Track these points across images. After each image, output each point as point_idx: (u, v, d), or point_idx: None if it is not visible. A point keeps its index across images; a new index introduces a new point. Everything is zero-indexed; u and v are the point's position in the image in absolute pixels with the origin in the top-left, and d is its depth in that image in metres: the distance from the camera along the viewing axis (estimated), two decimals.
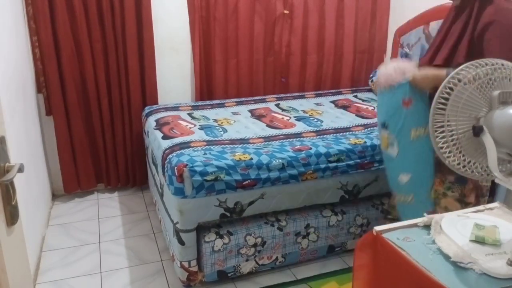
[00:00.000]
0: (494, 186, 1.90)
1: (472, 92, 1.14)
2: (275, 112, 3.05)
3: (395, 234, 1.27)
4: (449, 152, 1.16)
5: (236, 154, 2.27)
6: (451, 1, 1.84)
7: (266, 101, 3.29)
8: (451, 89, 1.15)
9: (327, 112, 3.07)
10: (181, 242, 2.19)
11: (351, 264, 1.55)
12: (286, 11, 3.37)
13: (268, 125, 2.80)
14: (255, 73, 3.45)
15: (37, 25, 2.86)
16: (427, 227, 1.31)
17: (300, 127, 2.76)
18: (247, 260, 2.34)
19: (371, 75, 3.55)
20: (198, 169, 2.11)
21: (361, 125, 2.77)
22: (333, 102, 3.30)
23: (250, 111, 3.07)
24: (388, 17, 3.68)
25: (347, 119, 2.92)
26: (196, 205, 2.16)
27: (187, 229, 2.18)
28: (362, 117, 2.95)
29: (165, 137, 2.56)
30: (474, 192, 1.83)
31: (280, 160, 2.26)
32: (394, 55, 3.55)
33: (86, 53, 3.00)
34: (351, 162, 2.40)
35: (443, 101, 1.15)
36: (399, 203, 2.16)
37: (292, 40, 3.47)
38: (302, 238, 2.44)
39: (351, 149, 2.41)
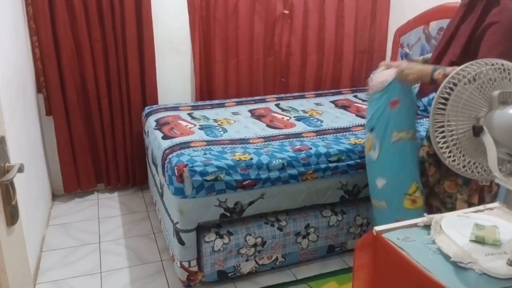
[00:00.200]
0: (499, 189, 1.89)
1: (472, 92, 1.14)
2: (275, 112, 3.05)
3: (395, 234, 1.27)
4: (449, 152, 1.16)
5: (236, 154, 2.27)
6: (460, 0, 1.86)
7: (266, 101, 3.29)
8: (451, 89, 1.15)
9: (327, 112, 3.07)
10: (181, 242, 2.19)
11: (351, 264, 1.55)
12: (286, 11, 3.37)
13: (268, 125, 2.80)
14: (255, 73, 3.45)
15: (37, 25, 2.86)
16: (427, 227, 1.31)
17: (300, 127, 2.76)
18: (247, 260, 2.34)
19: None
20: (198, 169, 2.11)
21: (361, 125, 2.77)
22: (333, 102, 3.30)
23: (250, 111, 3.07)
24: (388, 17, 3.68)
25: (347, 119, 2.91)
26: (196, 205, 2.16)
27: (187, 229, 2.18)
28: (362, 117, 2.95)
29: (165, 137, 2.56)
30: (477, 193, 1.83)
31: (280, 160, 2.26)
32: (394, 55, 3.55)
33: (86, 53, 3.00)
34: (351, 162, 2.40)
35: (443, 101, 1.15)
36: (374, 208, 2.19)
37: (292, 40, 3.47)
38: (302, 238, 2.44)
39: (351, 149, 2.41)
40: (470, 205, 1.84)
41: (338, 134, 2.62)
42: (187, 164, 2.12)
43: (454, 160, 1.17)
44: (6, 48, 2.29)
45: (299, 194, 2.36)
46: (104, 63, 3.07)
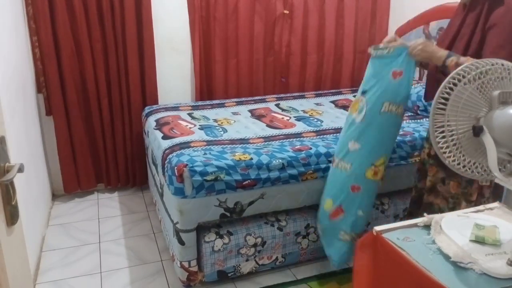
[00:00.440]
0: (497, 190, 1.88)
1: (472, 92, 1.14)
2: (275, 112, 3.05)
3: (395, 234, 1.28)
4: (449, 152, 1.17)
5: (236, 154, 2.27)
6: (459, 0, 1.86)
7: (266, 101, 3.29)
8: (451, 89, 1.15)
9: (327, 112, 3.07)
10: (181, 242, 2.19)
11: (351, 264, 1.55)
12: (286, 11, 3.37)
13: (268, 125, 2.79)
14: (255, 73, 3.45)
15: (37, 25, 2.86)
16: (427, 227, 1.31)
17: (300, 127, 2.76)
18: (247, 260, 2.34)
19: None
20: (198, 169, 2.11)
21: None
22: (333, 102, 3.30)
23: (250, 111, 3.07)
24: (388, 17, 3.68)
25: None
26: (196, 205, 2.16)
27: (187, 229, 2.18)
28: None
29: (165, 137, 2.56)
30: (477, 191, 1.83)
31: (280, 160, 2.26)
32: None
33: (86, 53, 3.00)
34: None
35: (443, 101, 1.15)
36: (332, 168, 2.23)
37: (292, 40, 3.47)
38: (302, 238, 2.44)
39: None
40: (469, 203, 1.84)
41: (338, 134, 2.62)
42: (187, 164, 2.12)
43: (454, 160, 1.17)
44: (6, 48, 2.29)
45: (299, 194, 2.36)
46: (104, 63, 3.07)
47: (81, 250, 2.66)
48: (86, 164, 3.21)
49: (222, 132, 2.65)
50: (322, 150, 2.36)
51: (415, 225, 1.33)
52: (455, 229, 1.26)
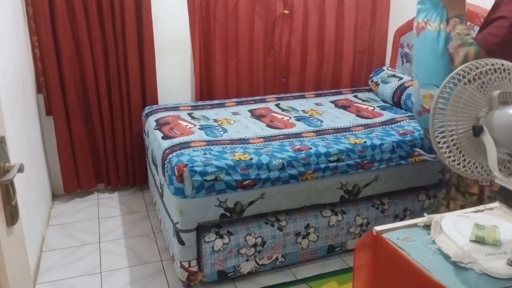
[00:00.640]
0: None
1: (472, 92, 1.14)
2: (275, 112, 3.05)
3: (395, 234, 1.27)
4: (449, 152, 1.16)
5: (236, 154, 2.27)
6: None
7: (266, 101, 3.29)
8: (451, 89, 1.15)
9: (327, 112, 3.07)
10: (181, 242, 2.19)
11: (351, 264, 1.55)
12: (286, 11, 3.37)
13: (268, 125, 2.80)
14: (255, 73, 3.45)
15: (37, 25, 2.86)
16: (427, 227, 1.31)
17: (300, 127, 2.76)
18: (247, 260, 2.34)
19: (371, 75, 3.55)
20: (198, 169, 2.11)
21: (361, 125, 2.77)
22: (333, 102, 3.30)
23: (250, 111, 3.07)
24: (388, 17, 3.68)
25: (347, 119, 2.91)
26: (196, 205, 2.16)
27: (187, 229, 2.18)
28: (362, 117, 2.95)
29: (165, 137, 2.56)
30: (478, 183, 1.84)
31: (280, 160, 2.26)
32: (394, 55, 3.55)
33: (86, 53, 3.00)
34: (351, 161, 2.40)
35: (443, 101, 1.15)
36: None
37: (292, 40, 3.47)
38: (302, 238, 2.44)
39: (351, 148, 2.41)
40: (469, 195, 1.86)
41: (338, 134, 2.62)
42: (187, 164, 2.12)
43: (454, 160, 1.17)
44: (6, 48, 2.29)
45: (299, 194, 2.36)
46: (104, 63, 3.07)
47: (81, 250, 2.66)
48: (86, 164, 3.21)
49: (222, 132, 2.65)
50: (322, 150, 2.36)
51: (415, 225, 1.33)
52: (455, 229, 1.26)
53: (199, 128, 2.70)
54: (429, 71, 2.10)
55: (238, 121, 2.87)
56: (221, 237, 2.27)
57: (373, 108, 3.11)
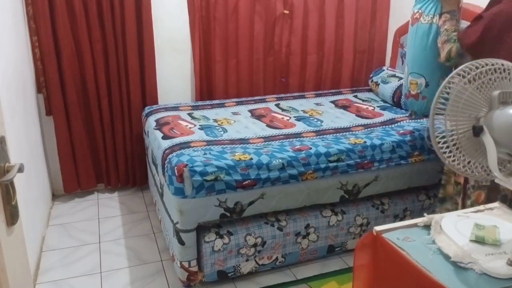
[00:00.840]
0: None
1: (472, 92, 1.14)
2: (275, 112, 3.05)
3: (395, 234, 1.28)
4: (449, 152, 1.17)
5: (236, 154, 2.27)
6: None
7: (266, 101, 3.29)
8: (451, 89, 1.15)
9: (327, 112, 3.07)
10: (181, 242, 2.19)
11: (351, 264, 1.55)
12: (286, 11, 3.37)
13: (268, 125, 2.79)
14: (255, 73, 3.45)
15: (37, 25, 2.86)
16: (427, 227, 1.31)
17: (300, 127, 2.76)
18: (247, 260, 2.34)
19: (371, 75, 3.55)
20: (198, 169, 2.11)
21: (361, 125, 2.77)
22: (333, 102, 3.30)
23: (250, 111, 3.07)
24: (388, 17, 3.68)
25: (347, 119, 2.91)
26: (196, 205, 2.16)
27: (187, 229, 2.18)
28: (362, 117, 2.95)
29: (165, 137, 2.56)
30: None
31: (280, 160, 2.26)
32: (394, 55, 3.55)
33: (86, 53, 3.00)
34: (351, 161, 2.40)
35: (443, 101, 1.15)
36: None
37: (292, 40, 3.47)
38: (302, 238, 2.44)
39: (351, 148, 2.41)
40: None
41: (338, 134, 2.62)
42: (187, 164, 2.12)
43: (454, 160, 1.17)
44: (6, 48, 2.29)
45: (299, 194, 2.36)
46: (104, 63, 3.07)
47: (81, 250, 2.66)
48: (86, 164, 3.21)
49: (222, 132, 2.65)
50: (322, 150, 2.36)
51: (415, 225, 1.33)
52: (455, 229, 1.26)
53: (199, 128, 2.70)
54: (417, 61, 2.24)
55: (238, 121, 2.87)
56: (221, 237, 2.27)
57: (373, 108, 3.11)
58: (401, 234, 1.27)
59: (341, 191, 2.46)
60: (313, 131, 2.67)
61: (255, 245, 2.33)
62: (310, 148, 2.36)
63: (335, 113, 3.04)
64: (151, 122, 2.86)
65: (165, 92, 3.34)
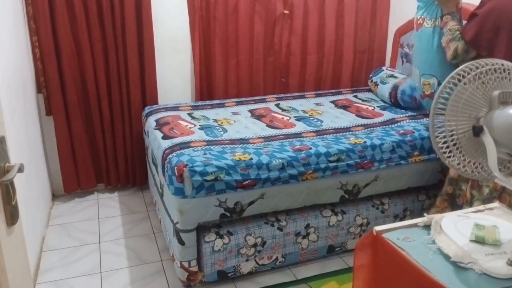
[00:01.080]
0: None
1: (472, 92, 1.14)
2: (275, 112, 3.05)
3: (395, 234, 1.28)
4: (449, 152, 1.17)
5: (236, 154, 2.27)
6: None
7: (266, 101, 3.29)
8: (451, 89, 1.15)
9: (327, 112, 3.07)
10: (181, 242, 2.19)
11: (351, 264, 1.55)
12: (286, 11, 3.37)
13: (268, 125, 2.79)
14: (255, 73, 3.45)
15: (37, 25, 2.86)
16: (427, 227, 1.31)
17: (300, 127, 2.76)
18: (247, 260, 2.34)
19: (370, 75, 3.55)
20: (198, 169, 2.11)
21: (361, 125, 2.77)
22: (333, 102, 3.30)
23: (250, 111, 3.07)
24: (388, 17, 3.68)
25: (347, 119, 2.91)
26: (196, 205, 2.16)
27: (187, 229, 2.18)
28: (362, 117, 2.95)
29: (165, 137, 2.56)
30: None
31: (280, 160, 2.26)
32: (394, 55, 3.55)
33: (86, 53, 3.00)
34: (351, 161, 2.40)
35: (443, 101, 1.15)
36: None
37: (292, 40, 3.47)
38: (302, 238, 2.44)
39: (351, 148, 2.41)
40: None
41: (338, 134, 2.62)
42: (187, 164, 2.12)
43: (454, 160, 1.17)
44: (6, 48, 2.29)
45: (299, 194, 2.36)
46: (104, 63, 3.06)
47: (81, 250, 2.66)
48: (86, 164, 3.21)
49: (222, 132, 2.65)
50: (322, 150, 2.36)
51: (415, 225, 1.33)
52: (455, 229, 1.26)
53: (199, 128, 2.70)
54: (426, 63, 2.39)
55: (238, 121, 2.87)
56: (221, 237, 2.27)
57: (373, 108, 3.11)
58: (401, 234, 1.27)
59: (341, 191, 2.46)
60: (313, 131, 2.67)
61: (255, 245, 2.33)
62: (310, 148, 2.36)
63: (335, 113, 3.04)
64: (151, 122, 2.86)
65: (165, 92, 3.34)
